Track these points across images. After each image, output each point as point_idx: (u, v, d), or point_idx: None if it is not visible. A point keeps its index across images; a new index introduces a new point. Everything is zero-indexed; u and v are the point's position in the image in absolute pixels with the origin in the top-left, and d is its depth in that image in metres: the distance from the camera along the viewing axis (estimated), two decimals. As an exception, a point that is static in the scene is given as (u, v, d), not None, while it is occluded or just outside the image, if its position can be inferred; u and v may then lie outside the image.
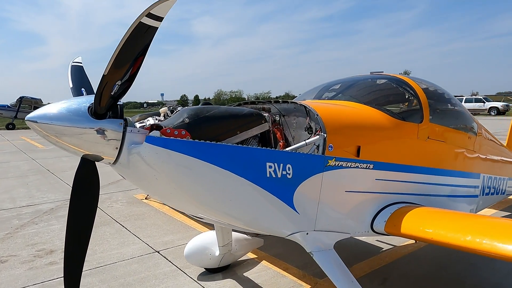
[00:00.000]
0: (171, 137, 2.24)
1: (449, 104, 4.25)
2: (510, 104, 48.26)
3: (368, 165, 3.03)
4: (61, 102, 2.28)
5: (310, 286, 4.19)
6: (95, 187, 2.46)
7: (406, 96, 3.75)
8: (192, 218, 6.44)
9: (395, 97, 3.90)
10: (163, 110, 2.70)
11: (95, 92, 2.14)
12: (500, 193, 5.39)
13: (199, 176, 2.29)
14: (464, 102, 42.66)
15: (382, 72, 4.14)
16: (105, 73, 2.01)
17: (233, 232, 4.52)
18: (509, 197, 7.43)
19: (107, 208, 7.43)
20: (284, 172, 2.53)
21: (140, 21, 1.88)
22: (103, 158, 2.35)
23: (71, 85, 3.70)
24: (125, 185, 9.19)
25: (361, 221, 3.09)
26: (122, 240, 5.70)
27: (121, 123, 2.26)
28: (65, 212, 7.07)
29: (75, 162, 2.57)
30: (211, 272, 4.53)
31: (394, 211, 3.07)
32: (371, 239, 5.57)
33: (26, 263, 4.92)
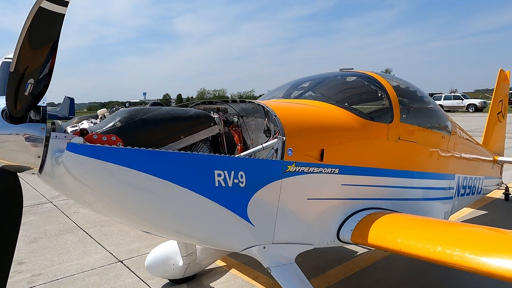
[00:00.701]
0: (97, 144, 1.94)
1: (421, 103, 4.04)
2: (488, 101, 49.30)
3: (333, 169, 2.78)
4: None
5: None
6: (17, 201, 2.13)
7: (376, 95, 3.52)
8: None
9: (363, 95, 3.67)
10: (101, 111, 2.39)
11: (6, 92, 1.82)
12: (476, 192, 5.26)
13: (133, 188, 2.00)
14: (443, 99, 43.37)
15: (352, 69, 3.91)
16: (12, 70, 1.70)
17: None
18: (486, 196, 7.39)
19: (73, 214, 7.04)
20: (235, 181, 2.26)
21: (40, 6, 1.58)
22: (25, 169, 2.04)
23: None
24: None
25: (326, 230, 2.85)
26: (84, 249, 5.36)
27: (43, 128, 1.95)
28: (28, 219, 6.67)
29: None
30: (176, 283, 4.25)
31: (361, 219, 2.84)
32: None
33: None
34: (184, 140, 2.30)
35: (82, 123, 2.25)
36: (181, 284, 4.25)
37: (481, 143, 6.34)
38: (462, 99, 42.99)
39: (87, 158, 1.87)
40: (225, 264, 4.80)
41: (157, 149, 2.04)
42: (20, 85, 1.79)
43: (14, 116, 1.90)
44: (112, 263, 4.87)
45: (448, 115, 4.52)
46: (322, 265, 4.73)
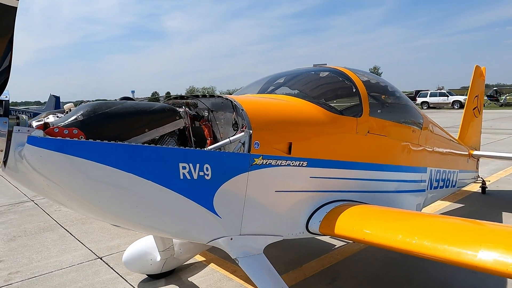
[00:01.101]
0: (58, 137, 1.96)
1: (392, 97, 4.13)
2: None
3: (301, 162, 2.85)
4: None
5: None
6: None
7: (346, 89, 3.59)
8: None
9: (334, 90, 3.74)
10: (67, 106, 2.42)
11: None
12: (450, 186, 5.39)
13: (94, 182, 2.03)
14: (429, 96, 44.03)
15: (326, 64, 3.98)
16: None
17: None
18: (463, 189, 7.56)
19: (54, 212, 7.00)
20: (201, 173, 2.31)
21: None
22: None
23: None
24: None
25: (295, 222, 2.91)
26: (64, 247, 5.34)
27: (6, 122, 1.97)
28: (7, 218, 6.62)
29: None
30: (154, 278, 4.28)
31: (330, 210, 2.92)
32: (325, 237, 5.46)
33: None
34: (149, 134, 2.33)
35: (48, 117, 2.26)
36: (160, 279, 4.28)
37: (457, 138, 6.50)
38: (448, 96, 43.59)
39: (47, 151, 1.89)
40: (204, 259, 4.84)
41: (119, 142, 2.06)
42: None
43: None
44: (91, 260, 4.87)
45: (421, 110, 4.62)
46: (300, 258, 4.80)
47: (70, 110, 2.38)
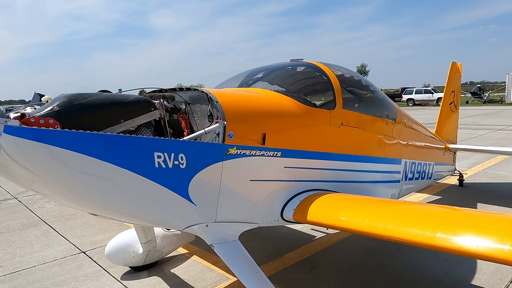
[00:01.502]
0: (34, 127, 2.03)
1: (365, 91, 4.28)
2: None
3: (275, 153, 2.96)
4: None
5: (237, 279, 4.12)
6: None
7: (320, 83, 3.72)
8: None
9: (309, 83, 3.86)
10: (45, 98, 2.48)
11: None
12: (426, 177, 5.57)
13: (70, 170, 2.11)
14: (415, 93, 44.79)
15: (302, 59, 4.10)
16: None
17: (159, 229, 4.37)
18: (441, 182, 7.80)
19: (38, 209, 7.00)
20: (176, 162, 2.40)
21: None
22: None
23: None
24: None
25: (270, 210, 3.03)
26: (47, 242, 5.37)
27: None
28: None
29: None
30: (136, 271, 4.36)
31: (303, 199, 3.04)
32: (307, 228, 5.60)
33: None
34: (124, 124, 2.42)
35: (26, 109, 2.33)
36: (142, 271, 4.36)
37: (434, 132, 6.70)
38: (433, 93, 44.27)
39: (23, 140, 1.96)
40: (187, 251, 4.94)
41: (94, 132, 2.15)
42: None
43: None
44: (75, 254, 4.92)
45: (396, 104, 4.78)
46: (281, 249, 4.94)
47: (47, 101, 2.45)
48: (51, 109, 2.17)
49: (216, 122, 2.67)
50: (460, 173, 7.48)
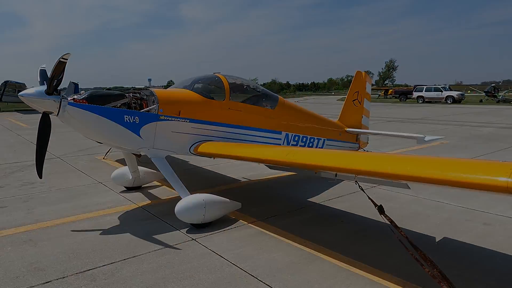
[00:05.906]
0: (78, 102, 5.47)
1: (248, 91, 7.53)
2: (466, 94, 51.44)
3: (185, 120, 6.30)
4: (35, 87, 5.49)
5: (246, 222, 6.02)
6: (48, 125, 5.65)
7: (217, 86, 7.04)
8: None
9: (211, 86, 7.19)
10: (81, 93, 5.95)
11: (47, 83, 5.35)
12: (315, 146, 8.73)
13: (94, 121, 5.54)
14: (425, 91, 45.77)
15: (220, 72, 7.40)
16: (50, 76, 5.23)
17: (143, 167, 7.82)
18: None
19: (73, 163, 10.66)
20: (134, 120, 5.80)
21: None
22: (52, 113, 5.56)
23: (39, 79, 6.83)
24: (90, 151, 12.41)
25: (183, 147, 6.40)
26: (80, 179, 8.95)
27: (60, 97, 5.48)
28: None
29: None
30: (128, 190, 7.81)
31: (202, 143, 6.38)
32: (238, 176, 8.94)
33: (16, 188, 8.18)
34: (114, 103, 5.83)
35: (74, 96, 5.77)
36: (131, 191, 7.78)
37: (337, 120, 9.76)
38: (442, 91, 44.83)
39: (74, 107, 5.41)
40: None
41: (103, 106, 5.58)
42: (51, 81, 5.31)
43: (49, 93, 5.42)
44: (95, 183, 8.45)
45: (282, 98, 7.99)
46: (213, 184, 8.31)
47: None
48: (84, 97, 5.61)
49: (154, 105, 6.06)
50: (364, 150, 10.47)
